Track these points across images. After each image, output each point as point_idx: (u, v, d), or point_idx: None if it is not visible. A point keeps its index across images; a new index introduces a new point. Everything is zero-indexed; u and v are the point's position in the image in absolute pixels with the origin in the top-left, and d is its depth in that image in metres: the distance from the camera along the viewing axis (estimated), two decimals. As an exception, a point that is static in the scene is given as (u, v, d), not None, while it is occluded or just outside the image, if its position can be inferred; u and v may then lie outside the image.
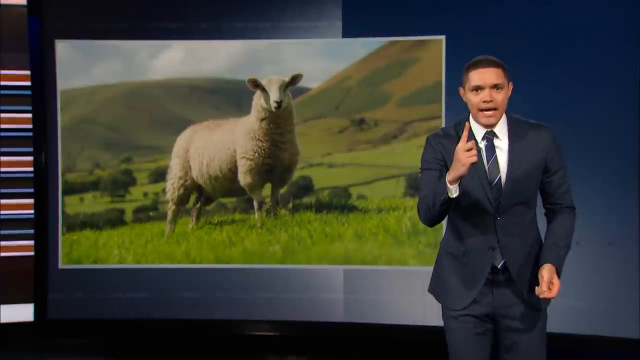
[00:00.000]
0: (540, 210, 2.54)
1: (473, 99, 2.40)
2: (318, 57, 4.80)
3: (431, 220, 2.46)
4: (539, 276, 2.35)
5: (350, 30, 4.70)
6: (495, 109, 2.38)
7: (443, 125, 4.52)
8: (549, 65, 4.20)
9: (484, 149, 2.43)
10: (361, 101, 4.81)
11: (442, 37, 4.59)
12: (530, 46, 4.24)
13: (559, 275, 2.37)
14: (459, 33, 4.52)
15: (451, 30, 4.56)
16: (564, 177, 2.48)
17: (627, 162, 4.26)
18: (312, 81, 4.82)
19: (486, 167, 2.42)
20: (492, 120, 2.41)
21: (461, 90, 2.47)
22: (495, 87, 2.38)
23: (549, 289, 2.32)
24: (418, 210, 2.50)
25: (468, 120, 2.47)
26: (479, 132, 2.45)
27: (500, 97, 2.39)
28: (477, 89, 2.38)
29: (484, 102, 2.38)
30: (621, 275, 4.26)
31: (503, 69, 2.41)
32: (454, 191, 2.29)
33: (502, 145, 2.44)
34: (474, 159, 2.23)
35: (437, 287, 2.60)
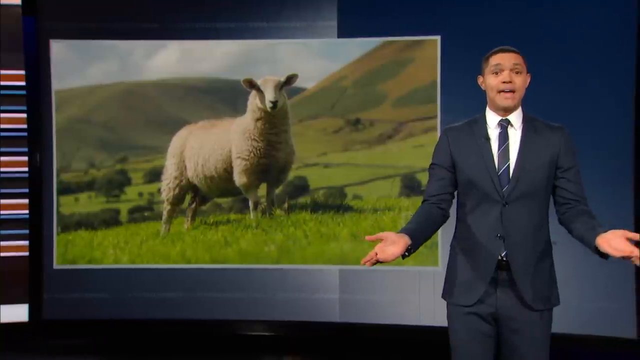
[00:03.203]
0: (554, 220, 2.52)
1: (492, 81, 2.45)
2: (314, 57, 4.80)
3: None
4: (610, 245, 2.16)
5: (346, 30, 4.70)
6: (513, 91, 2.43)
7: (438, 125, 4.54)
8: (545, 65, 4.20)
9: (496, 137, 2.46)
10: (357, 101, 4.81)
11: (438, 37, 4.59)
12: (525, 46, 4.22)
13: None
14: (454, 33, 4.53)
15: (446, 30, 4.57)
16: (577, 174, 2.48)
17: (623, 161, 4.28)
18: (308, 81, 4.82)
19: (496, 154, 2.44)
20: (509, 102, 2.43)
21: (479, 79, 2.52)
22: (515, 69, 2.43)
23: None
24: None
25: (484, 114, 2.51)
26: (494, 120, 2.48)
27: (519, 80, 2.44)
28: (497, 71, 2.43)
29: (503, 82, 2.42)
30: (617, 275, 4.26)
31: (522, 57, 2.48)
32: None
33: (515, 134, 2.46)
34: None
35: (446, 286, 2.58)
